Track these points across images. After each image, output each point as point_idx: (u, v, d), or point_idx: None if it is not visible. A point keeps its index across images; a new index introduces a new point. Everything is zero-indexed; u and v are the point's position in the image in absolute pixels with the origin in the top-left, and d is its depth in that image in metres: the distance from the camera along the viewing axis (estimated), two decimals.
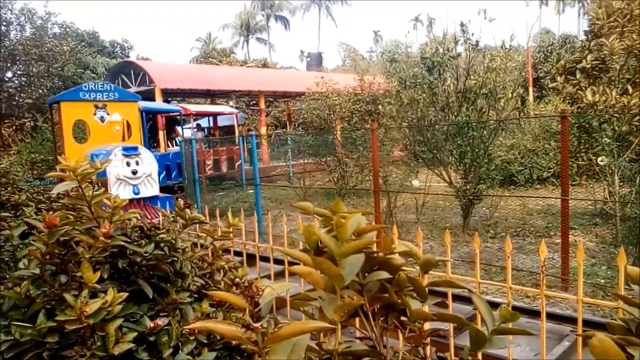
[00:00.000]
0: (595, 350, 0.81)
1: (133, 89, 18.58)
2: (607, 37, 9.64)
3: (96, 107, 10.39)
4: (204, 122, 25.49)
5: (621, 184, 8.51)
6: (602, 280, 6.54)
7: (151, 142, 16.34)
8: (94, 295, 1.64)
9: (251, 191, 14.03)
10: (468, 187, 9.56)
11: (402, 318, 1.22)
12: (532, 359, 4.33)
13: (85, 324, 1.53)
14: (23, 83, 20.85)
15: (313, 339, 1.13)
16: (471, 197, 9.45)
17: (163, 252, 1.95)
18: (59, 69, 20.58)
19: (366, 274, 1.16)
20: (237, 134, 21.42)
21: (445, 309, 1.35)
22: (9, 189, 4.34)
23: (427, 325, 1.42)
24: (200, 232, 3.02)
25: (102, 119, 10.51)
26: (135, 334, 1.62)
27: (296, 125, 21.98)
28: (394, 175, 11.81)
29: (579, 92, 10.19)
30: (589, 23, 10.96)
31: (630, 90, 9.05)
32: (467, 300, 5.18)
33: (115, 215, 1.92)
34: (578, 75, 10.38)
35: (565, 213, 6.32)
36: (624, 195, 8.45)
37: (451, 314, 1.25)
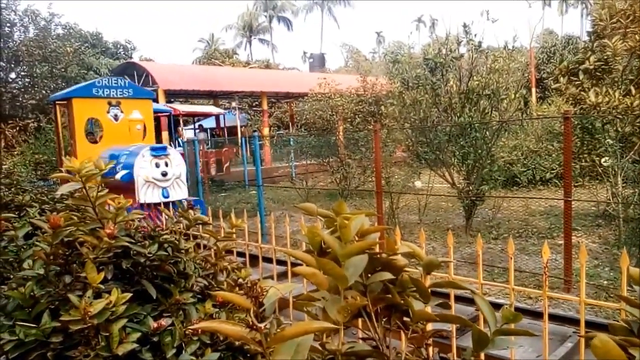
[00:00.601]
0: (597, 351, 0.81)
1: None
2: (610, 38, 9.62)
3: (109, 104, 9.68)
4: (206, 123, 25.52)
5: (624, 185, 8.49)
6: (605, 282, 6.53)
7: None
8: (98, 295, 1.65)
9: (254, 192, 14.05)
10: (470, 188, 9.55)
11: (405, 319, 1.23)
12: (534, 359, 4.33)
13: (89, 324, 1.54)
14: (27, 84, 20.91)
15: (316, 339, 1.14)
16: (474, 198, 9.45)
17: (167, 253, 1.96)
18: (62, 69, 20.63)
19: (369, 275, 1.17)
20: (239, 135, 21.45)
21: (447, 310, 1.35)
22: (12, 189, 4.36)
23: (430, 326, 1.43)
24: (203, 233, 3.03)
25: (115, 117, 9.80)
26: (139, 334, 1.63)
27: (299, 126, 22.00)
28: (396, 176, 11.81)
29: (581, 93, 10.17)
30: (592, 24, 10.95)
31: (633, 91, 9.04)
32: (469, 301, 5.18)
33: (119, 216, 1.93)
34: (581, 76, 10.36)
35: (568, 214, 6.32)
36: (627, 196, 8.43)
37: (454, 314, 1.25)
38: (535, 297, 5.98)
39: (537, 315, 4.76)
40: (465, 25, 10.16)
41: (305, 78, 24.67)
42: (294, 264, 3.79)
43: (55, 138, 15.67)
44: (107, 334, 1.56)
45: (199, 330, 1.71)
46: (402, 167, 12.64)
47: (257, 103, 28.11)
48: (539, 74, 23.39)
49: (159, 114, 16.52)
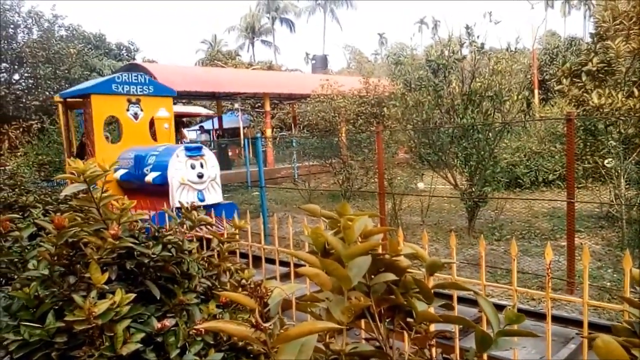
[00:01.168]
0: (600, 352, 0.82)
1: None
2: (613, 40, 9.60)
3: (129, 101, 9.01)
4: (208, 124, 25.56)
5: (627, 186, 8.48)
6: (608, 283, 6.52)
7: None
8: (102, 296, 1.66)
9: (256, 193, 14.06)
10: (473, 189, 9.54)
11: (408, 320, 1.23)
12: None
13: (93, 325, 1.54)
14: (30, 85, 20.97)
15: (320, 340, 1.14)
16: (476, 200, 9.44)
17: (170, 254, 1.97)
18: (66, 71, 20.69)
19: (373, 276, 1.17)
20: (242, 136, 21.47)
21: (450, 311, 1.36)
22: (16, 190, 4.37)
23: (433, 327, 1.43)
24: (207, 235, 3.04)
25: (135, 116, 9.12)
26: (142, 334, 1.63)
27: (301, 128, 22.01)
28: (399, 178, 11.81)
29: (584, 94, 10.15)
30: (594, 25, 10.93)
31: (637, 92, 9.01)
32: (472, 302, 5.18)
33: (124, 217, 1.94)
34: (584, 78, 10.35)
35: (571, 216, 6.31)
36: (630, 198, 8.42)
37: (457, 315, 1.26)
38: (538, 298, 5.98)
39: (540, 316, 4.75)
40: (467, 27, 10.16)
41: (307, 79, 24.68)
42: (296, 265, 3.80)
43: (61, 137, 15.72)
44: (111, 334, 1.57)
45: (203, 330, 1.72)
46: (404, 168, 12.64)
47: (259, 104, 28.13)
48: (542, 75, 23.37)
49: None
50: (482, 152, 9.25)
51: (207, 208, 7.04)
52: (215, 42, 61.19)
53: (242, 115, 25.06)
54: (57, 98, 10.58)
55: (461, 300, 4.96)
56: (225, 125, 27.13)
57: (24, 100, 19.84)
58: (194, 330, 1.72)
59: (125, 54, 32.75)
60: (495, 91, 9.51)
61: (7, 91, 19.55)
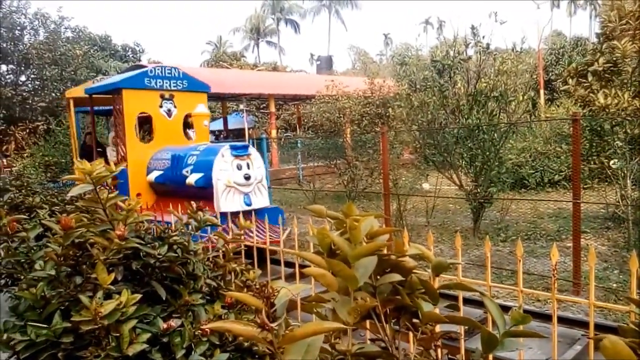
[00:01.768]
0: (607, 352, 0.81)
1: None
2: (619, 40, 9.57)
3: (162, 97, 8.27)
4: (212, 126, 25.54)
5: (633, 187, 8.44)
6: (614, 284, 6.49)
7: None
8: (108, 296, 1.67)
9: None
10: (478, 190, 9.52)
11: (414, 320, 1.23)
12: None
13: (100, 325, 1.55)
14: (36, 86, 21.06)
15: (325, 340, 1.14)
16: (482, 201, 9.42)
17: (176, 254, 1.97)
18: (72, 72, 20.77)
19: (378, 277, 1.17)
20: (247, 137, 21.50)
21: (456, 312, 1.36)
22: (23, 191, 4.39)
23: (438, 328, 1.43)
24: (213, 236, 3.05)
25: (169, 113, 8.38)
26: (148, 334, 1.64)
27: (306, 128, 22.03)
28: (404, 178, 11.80)
29: (590, 94, 10.12)
30: (600, 25, 10.89)
31: None
32: (477, 303, 5.17)
33: (130, 218, 1.95)
34: (590, 78, 10.32)
35: (576, 216, 6.29)
36: (636, 198, 8.38)
37: (463, 316, 1.26)
38: (544, 299, 5.96)
39: (546, 317, 4.74)
40: (473, 27, 10.15)
41: (312, 80, 24.69)
42: (302, 266, 3.80)
43: (72, 137, 15.78)
44: (118, 334, 1.58)
45: (208, 331, 1.72)
46: (409, 169, 12.62)
47: (264, 105, 28.16)
48: (548, 75, 23.30)
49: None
50: (488, 153, 9.24)
51: (256, 213, 6.63)
52: (221, 43, 61.31)
53: (246, 116, 25.09)
54: (68, 94, 9.94)
55: (467, 301, 4.95)
56: (230, 127, 27.17)
57: (30, 101, 19.93)
58: (199, 331, 1.73)
59: (131, 55, 32.85)
60: (500, 91, 9.49)
61: (14, 92, 19.64)
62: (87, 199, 1.94)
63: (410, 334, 1.26)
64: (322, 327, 0.91)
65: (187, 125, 9.37)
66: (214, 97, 25.96)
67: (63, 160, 15.03)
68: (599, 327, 4.28)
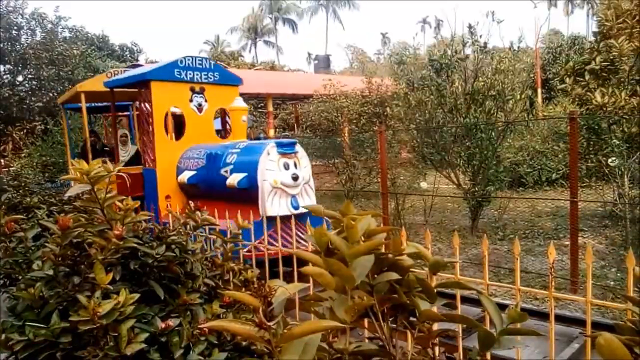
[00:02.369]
0: (602, 350, 0.82)
1: None
2: (616, 38, 9.59)
3: (192, 90, 7.61)
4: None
5: (631, 185, 8.46)
6: (612, 283, 6.51)
7: None
8: (106, 296, 1.67)
9: None
10: (476, 189, 9.53)
11: (411, 319, 1.24)
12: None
13: (98, 325, 1.55)
14: (34, 87, 21.02)
15: (323, 339, 1.15)
16: (479, 199, 9.43)
17: (174, 254, 1.98)
18: (69, 72, 20.72)
19: (376, 275, 1.18)
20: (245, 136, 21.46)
21: (454, 310, 1.36)
22: (21, 191, 4.39)
23: (436, 326, 1.43)
24: (210, 235, 3.05)
25: (199, 108, 7.73)
26: (147, 334, 1.64)
27: (304, 128, 22.03)
28: (402, 178, 11.81)
29: (587, 93, 10.14)
30: (597, 24, 10.91)
31: None
32: (475, 302, 5.17)
33: (127, 218, 1.95)
34: (587, 77, 10.34)
35: (574, 215, 6.30)
36: (633, 197, 8.40)
37: (460, 315, 1.26)
38: (541, 298, 5.97)
39: (543, 316, 4.74)
40: (470, 26, 10.15)
41: (310, 79, 24.67)
42: (299, 265, 3.78)
43: (62, 140, 15.72)
44: (116, 334, 1.58)
45: (206, 330, 1.72)
46: (407, 168, 12.63)
47: (262, 105, 28.15)
48: (545, 74, 23.32)
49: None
50: (485, 152, 9.25)
51: (300, 217, 6.15)
52: (218, 43, 61.28)
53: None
54: (80, 88, 8.93)
55: (464, 299, 4.96)
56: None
57: (27, 101, 19.89)
58: (197, 330, 1.73)
59: (128, 55, 32.80)
60: (498, 90, 9.50)
61: (11, 92, 19.60)
62: (84, 198, 1.94)
63: (408, 333, 1.26)
64: (319, 326, 0.92)
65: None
66: None
67: (60, 161, 15.00)
68: (597, 325, 4.29)
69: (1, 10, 20.06)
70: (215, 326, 0.95)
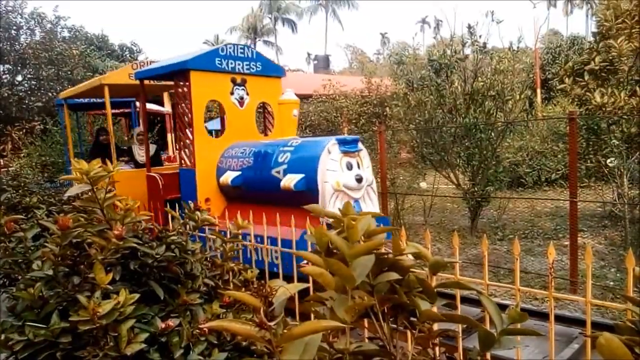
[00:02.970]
0: (603, 350, 0.82)
1: None
2: (615, 39, 9.59)
3: (233, 82, 6.93)
4: (211, 125, 25.47)
5: (630, 185, 8.46)
6: (611, 283, 6.51)
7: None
8: (106, 296, 1.67)
9: None
10: (476, 189, 9.54)
11: (412, 319, 1.24)
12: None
13: (98, 325, 1.55)
14: (33, 86, 20.99)
15: (323, 339, 1.15)
16: (479, 199, 9.43)
17: (174, 254, 1.98)
18: (69, 72, 20.70)
19: (376, 275, 1.18)
20: None
21: (454, 310, 1.36)
22: (20, 191, 4.39)
23: (436, 327, 1.43)
24: (210, 235, 3.05)
25: (241, 101, 7.06)
26: (146, 334, 1.64)
27: (303, 128, 22.05)
28: (401, 178, 11.80)
29: (587, 93, 10.14)
30: (597, 24, 10.91)
31: (639, 91, 9.01)
32: (475, 302, 5.18)
33: (127, 218, 1.95)
34: (586, 77, 10.33)
35: (573, 215, 6.30)
36: (633, 197, 8.41)
37: (460, 315, 1.26)
38: (541, 298, 5.97)
39: (543, 316, 4.74)
40: (470, 26, 10.16)
41: (309, 80, 24.67)
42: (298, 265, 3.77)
43: (61, 140, 15.69)
44: (116, 334, 1.58)
45: (206, 330, 1.72)
46: (407, 168, 12.63)
47: (260, 110, 28.18)
48: (544, 74, 23.33)
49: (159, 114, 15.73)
50: (485, 152, 9.25)
51: None
52: (218, 43, 61.22)
53: None
54: (105, 80, 8.11)
55: (464, 300, 4.96)
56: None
57: (26, 101, 19.86)
58: (197, 330, 1.73)
59: (128, 55, 32.77)
60: (497, 90, 9.51)
61: (10, 92, 19.57)
62: (84, 198, 1.94)
63: (408, 333, 1.26)
64: (319, 326, 0.92)
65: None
66: None
67: (60, 161, 14.98)
68: (596, 325, 4.30)
69: (0, 10, 20.05)
70: (216, 326, 0.95)
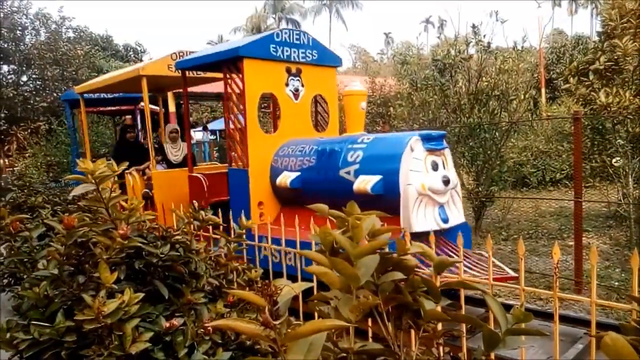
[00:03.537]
0: (608, 349, 0.81)
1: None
2: (620, 38, 9.54)
3: (288, 72, 6.26)
4: (212, 125, 25.48)
5: (635, 185, 8.43)
6: (616, 283, 6.49)
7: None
8: (111, 295, 1.67)
9: None
10: (480, 189, 9.52)
11: (416, 319, 1.24)
12: None
13: (102, 324, 1.56)
14: (38, 87, 21.06)
15: (327, 339, 1.15)
16: (483, 199, 9.41)
17: (178, 254, 1.98)
18: (73, 72, 20.76)
19: (380, 275, 1.18)
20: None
21: (458, 310, 1.36)
22: (25, 191, 4.41)
23: (440, 326, 1.43)
24: (214, 235, 3.05)
25: (296, 94, 6.38)
26: (151, 333, 1.64)
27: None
28: None
29: (592, 93, 10.09)
30: (601, 24, 10.86)
31: None
32: (479, 302, 5.17)
33: (132, 217, 1.95)
34: (591, 77, 10.29)
35: (578, 215, 6.28)
36: (638, 197, 8.37)
37: (464, 314, 1.26)
38: (545, 298, 5.96)
39: (547, 316, 4.73)
40: (474, 26, 10.14)
41: None
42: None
43: (66, 140, 15.70)
44: (120, 333, 1.58)
45: (210, 329, 1.73)
46: None
47: (266, 105, 28.20)
48: (549, 74, 23.26)
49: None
50: (489, 152, 9.23)
51: (446, 234, 4.94)
52: (222, 43, 61.29)
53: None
54: (142, 70, 7.29)
55: (468, 300, 4.94)
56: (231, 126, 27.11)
57: (31, 101, 19.93)
58: (202, 330, 1.73)
59: (132, 55, 32.85)
60: (502, 90, 9.49)
61: (15, 92, 19.64)
62: (89, 198, 1.94)
63: (412, 332, 1.26)
64: (324, 325, 0.92)
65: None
66: (214, 97, 25.98)
67: (65, 160, 15.03)
68: (601, 326, 4.28)
69: (5, 10, 20.13)
70: (221, 325, 0.95)
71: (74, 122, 12.49)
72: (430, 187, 4.66)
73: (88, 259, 1.84)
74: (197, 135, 22.80)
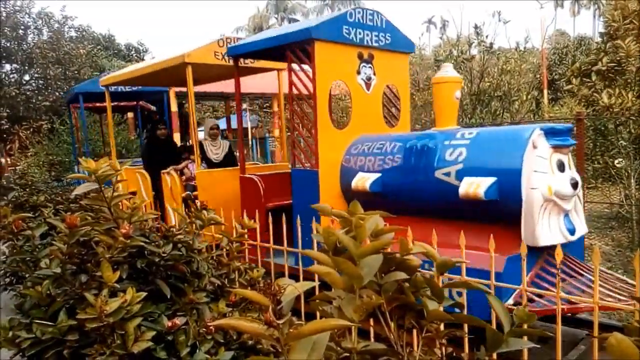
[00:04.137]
0: (613, 350, 0.81)
1: None
2: (623, 39, 9.54)
3: (360, 58, 5.44)
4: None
5: (637, 186, 8.42)
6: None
7: None
8: (113, 294, 1.67)
9: None
10: None
11: (419, 319, 1.23)
12: None
13: (105, 323, 1.56)
14: (40, 86, 21.12)
15: (330, 339, 1.15)
16: None
17: (180, 253, 1.98)
18: (76, 72, 20.81)
19: (384, 275, 1.18)
20: (250, 136, 21.51)
21: (461, 310, 1.36)
22: (27, 190, 4.42)
23: (442, 327, 1.43)
24: (216, 234, 3.05)
25: (367, 83, 5.56)
26: (153, 332, 1.64)
27: (309, 128, 22.07)
28: None
29: (594, 94, 10.08)
30: (604, 25, 10.85)
31: None
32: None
33: (134, 216, 1.95)
34: (593, 78, 10.28)
35: None
36: None
37: (467, 315, 1.26)
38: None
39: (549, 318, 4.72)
40: (476, 27, 10.14)
41: None
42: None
43: (68, 139, 15.72)
44: (123, 332, 1.58)
45: (213, 329, 1.73)
46: None
47: (267, 105, 28.19)
48: (551, 75, 23.22)
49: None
50: None
51: (567, 247, 4.05)
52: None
53: (249, 115, 25.07)
54: (187, 58, 6.33)
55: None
56: (233, 126, 27.15)
57: (34, 100, 19.99)
58: (204, 329, 1.73)
59: (134, 55, 32.90)
60: (504, 91, 9.49)
61: (18, 92, 19.70)
62: (91, 197, 1.95)
63: (415, 332, 1.26)
64: (328, 325, 0.91)
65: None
66: (216, 97, 25.98)
67: (67, 159, 15.07)
68: (604, 327, 4.27)
69: (8, 9, 20.18)
70: (224, 324, 0.95)
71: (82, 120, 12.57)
72: (556, 192, 3.88)
73: (90, 258, 1.85)
74: (200, 134, 22.78)
